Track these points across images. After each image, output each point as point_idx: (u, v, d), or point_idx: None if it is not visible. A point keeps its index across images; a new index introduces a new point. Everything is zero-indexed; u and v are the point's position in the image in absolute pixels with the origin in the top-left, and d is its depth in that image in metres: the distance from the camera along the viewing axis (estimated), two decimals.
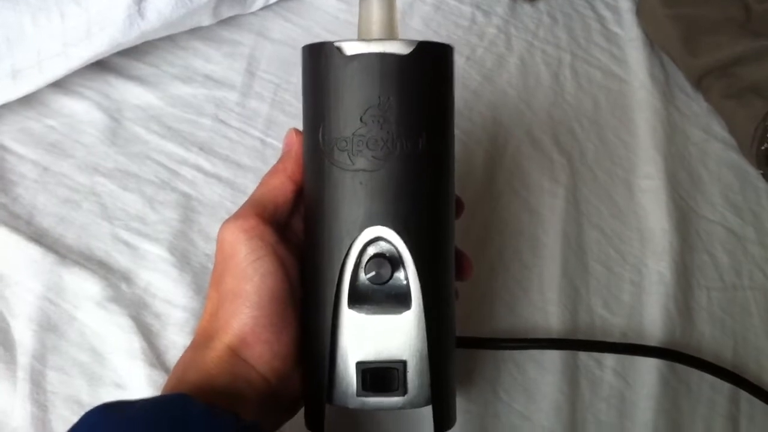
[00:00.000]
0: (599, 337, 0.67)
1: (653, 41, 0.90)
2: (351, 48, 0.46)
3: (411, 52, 0.46)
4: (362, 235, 0.46)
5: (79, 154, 0.73)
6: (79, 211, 0.70)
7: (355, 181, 0.46)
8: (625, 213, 0.76)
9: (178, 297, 0.65)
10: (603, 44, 0.90)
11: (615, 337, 0.67)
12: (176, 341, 0.62)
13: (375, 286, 0.47)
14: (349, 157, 0.46)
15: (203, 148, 0.75)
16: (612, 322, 0.69)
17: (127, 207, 0.70)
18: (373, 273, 0.47)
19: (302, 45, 0.48)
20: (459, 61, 0.86)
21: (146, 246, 0.68)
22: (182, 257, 0.67)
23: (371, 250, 0.47)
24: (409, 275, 0.47)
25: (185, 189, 0.72)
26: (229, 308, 0.46)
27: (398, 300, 0.47)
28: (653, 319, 0.69)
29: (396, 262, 0.47)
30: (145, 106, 0.78)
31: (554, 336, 0.67)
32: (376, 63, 0.46)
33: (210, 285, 0.49)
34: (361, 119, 0.46)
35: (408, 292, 0.47)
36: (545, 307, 0.69)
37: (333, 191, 0.47)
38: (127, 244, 0.68)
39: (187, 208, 0.71)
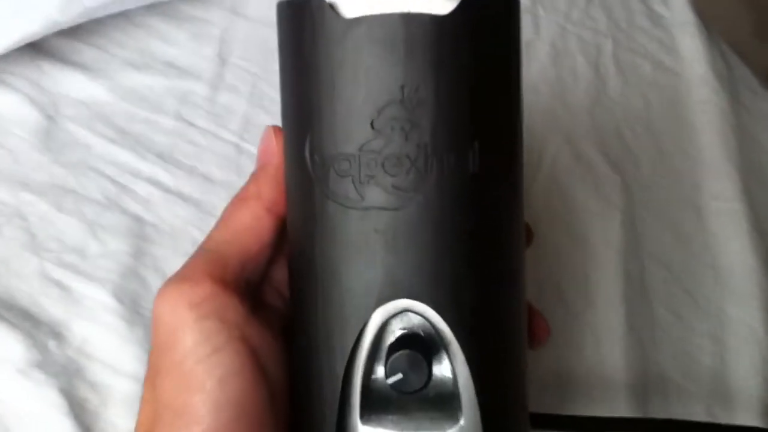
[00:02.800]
0: (676, 409, 0.52)
1: (711, 26, 0.74)
2: (354, 5, 0.30)
3: (454, 11, 0.30)
4: (379, 312, 0.31)
5: (2, 162, 0.57)
6: None
7: (366, 227, 0.31)
8: (693, 243, 0.60)
9: (125, 361, 0.49)
10: (648, 28, 0.76)
11: (698, 413, 0.52)
12: (119, 426, 0.46)
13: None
14: (355, 188, 0.31)
15: (162, 156, 0.59)
16: (690, 391, 0.54)
17: (62, 235, 0.54)
18: (398, 377, 0.31)
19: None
20: None
21: (84, 288, 0.52)
22: (132, 304, 0.51)
23: (395, 329, 0.32)
24: (457, 371, 0.31)
25: (137, 210, 0.56)
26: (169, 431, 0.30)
27: (440, 410, 0.32)
28: (745, 389, 0.53)
29: (435, 351, 0.32)
30: (88, 100, 0.61)
31: (621, 411, 0.51)
32: (396, 29, 0.30)
33: (145, 381, 0.33)
34: (372, 125, 0.30)
35: (456, 398, 0.32)
36: (602, 370, 0.53)
37: (330, 243, 0.32)
38: (59, 285, 0.52)
39: (140, 236, 0.55)
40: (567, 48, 0.72)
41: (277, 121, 0.34)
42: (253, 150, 0.61)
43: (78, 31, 0.64)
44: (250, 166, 0.58)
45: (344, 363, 0.31)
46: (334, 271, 0.32)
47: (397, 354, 0.31)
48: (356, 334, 0.31)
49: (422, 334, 0.32)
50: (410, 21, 0.30)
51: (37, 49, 0.63)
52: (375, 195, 0.31)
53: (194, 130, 0.61)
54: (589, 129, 0.66)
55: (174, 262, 0.52)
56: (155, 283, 0.52)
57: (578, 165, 0.64)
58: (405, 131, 0.30)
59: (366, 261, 0.31)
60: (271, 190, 0.34)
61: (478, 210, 0.31)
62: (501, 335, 0.33)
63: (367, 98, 0.30)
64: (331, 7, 0.30)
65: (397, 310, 0.31)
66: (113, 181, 0.57)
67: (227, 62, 0.66)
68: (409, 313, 0.32)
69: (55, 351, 0.49)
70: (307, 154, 0.31)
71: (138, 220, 0.55)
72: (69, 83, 0.62)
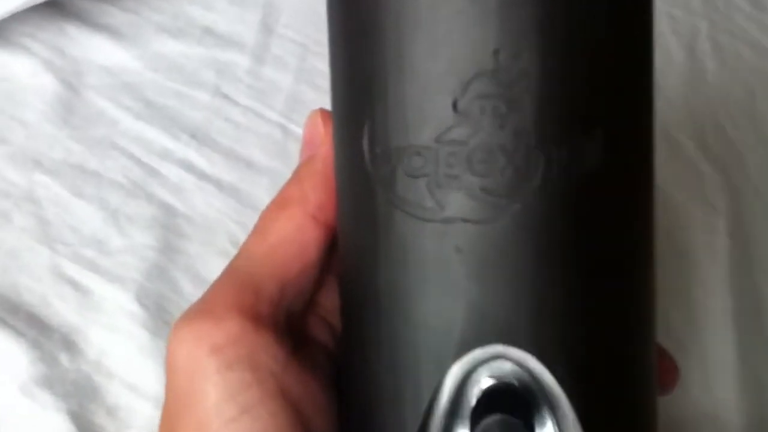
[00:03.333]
0: None
1: None
2: None
3: None
4: (462, 361, 0.23)
5: (14, 137, 0.50)
6: (6, 227, 0.46)
7: (446, 245, 0.23)
8: None
9: (148, 379, 0.41)
10: (747, 8, 0.67)
11: None
12: None
13: None
14: (431, 192, 0.23)
15: (196, 136, 0.51)
16: None
17: (79, 224, 0.47)
18: None
19: None
20: None
21: (103, 289, 0.44)
22: (157, 311, 0.44)
23: (482, 378, 0.23)
24: None
25: (167, 198, 0.48)
26: None
27: None
28: None
29: (536, 412, 0.23)
30: (115, 69, 0.54)
31: None
32: None
33: None
34: (455, 106, 0.22)
35: None
36: (714, 413, 0.45)
37: (397, 266, 0.24)
38: (74, 284, 0.44)
39: (169, 228, 0.47)
40: (658, 27, 0.63)
41: (329, 101, 0.25)
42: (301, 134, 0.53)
43: None
44: (298, 153, 0.50)
45: (417, 425, 0.23)
46: (403, 303, 0.24)
47: (487, 420, 0.23)
48: (432, 388, 0.23)
49: (518, 385, 0.23)
50: None
51: (60, 9, 0.56)
52: (458, 202, 0.22)
53: (234, 108, 0.53)
54: (685, 119, 0.58)
55: (208, 262, 0.45)
56: (185, 285, 0.45)
57: (675, 160, 0.55)
58: (500, 115, 0.22)
59: (445, 291, 0.23)
60: (317, 192, 0.27)
61: (598, 224, 0.23)
62: (626, 390, 0.25)
63: (447, 69, 0.22)
64: None
65: (486, 357, 0.23)
66: (140, 163, 0.50)
67: (273, 31, 0.58)
68: (503, 367, 0.23)
69: (67, 365, 0.41)
70: (365, 146, 0.23)
71: (168, 209, 0.48)
72: (95, 49, 0.55)
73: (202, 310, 0.25)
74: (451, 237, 0.23)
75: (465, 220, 0.22)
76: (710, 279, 0.50)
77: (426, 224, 0.23)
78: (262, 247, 0.26)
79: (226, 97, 0.54)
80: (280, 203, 0.27)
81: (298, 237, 0.26)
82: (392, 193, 0.23)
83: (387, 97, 0.23)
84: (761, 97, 0.60)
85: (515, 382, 0.23)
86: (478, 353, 0.23)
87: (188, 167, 0.50)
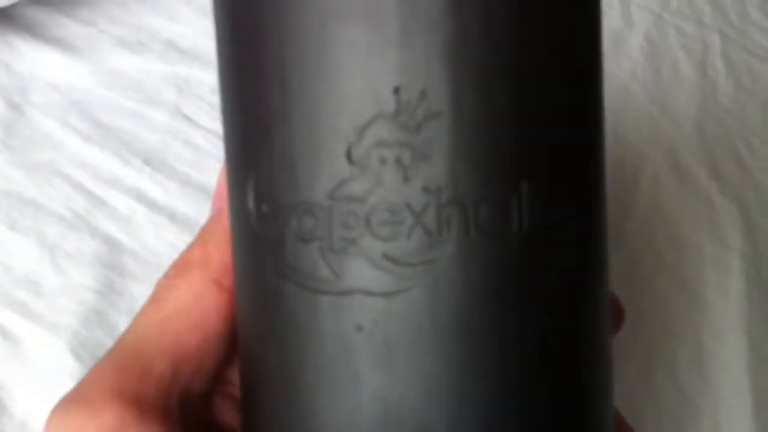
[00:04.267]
0: None
1: None
2: None
3: None
4: None
5: None
6: None
7: (344, 323, 0.18)
8: None
9: None
10: (763, 22, 0.62)
11: None
12: None
13: None
14: (325, 259, 0.18)
15: (150, 161, 0.46)
16: None
17: (11, 261, 0.41)
18: None
19: None
20: None
21: (34, 338, 0.39)
22: (94, 362, 0.38)
23: None
24: None
25: (113, 232, 0.43)
26: None
27: None
28: None
29: None
30: (65, 86, 0.49)
31: None
32: None
33: None
34: (349, 155, 0.18)
35: None
36: None
37: (288, 346, 0.19)
38: (2, 331, 0.39)
39: (113, 266, 0.41)
40: (666, 42, 0.58)
41: None
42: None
43: (62, 2, 0.52)
44: None
45: None
46: (296, 393, 0.19)
47: None
48: None
49: None
50: None
51: (6, 20, 0.50)
52: (357, 271, 0.18)
53: (195, 130, 0.48)
54: (695, 143, 0.52)
55: None
56: None
57: (684, 190, 0.50)
58: (403, 166, 0.18)
59: (344, 379, 0.19)
60: (222, 253, 0.22)
61: (529, 296, 0.18)
62: None
63: (339, 110, 0.18)
64: None
65: None
66: (85, 192, 0.44)
67: None
68: None
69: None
70: (251, 203, 0.19)
71: (112, 244, 0.42)
72: (43, 63, 0.50)
73: (76, 397, 0.21)
74: (350, 313, 0.18)
75: (366, 293, 0.18)
76: (723, 324, 0.44)
77: (320, 297, 0.18)
78: (155, 318, 0.22)
79: (186, 117, 0.48)
80: (179, 267, 0.23)
81: (197, 306, 0.22)
82: (281, 259, 0.19)
83: (272, 143, 0.18)
84: None
85: None
86: None
87: (138, 196, 0.44)
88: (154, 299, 0.22)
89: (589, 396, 0.20)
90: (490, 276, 0.18)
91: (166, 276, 0.23)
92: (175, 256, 0.39)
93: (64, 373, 0.38)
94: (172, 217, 0.44)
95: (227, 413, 0.24)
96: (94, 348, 0.39)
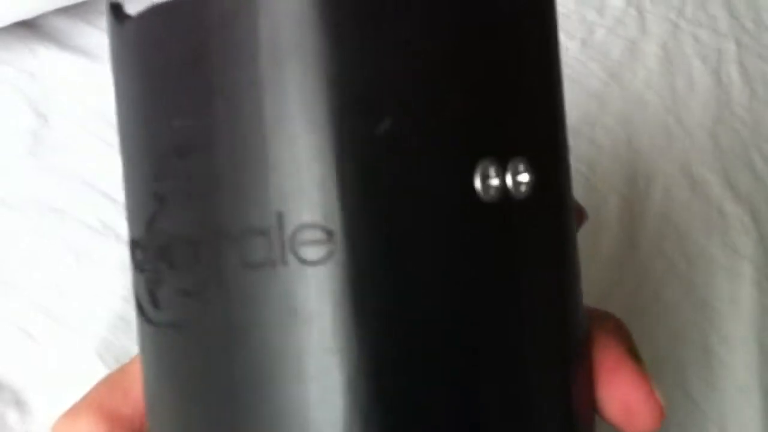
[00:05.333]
0: None
1: None
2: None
3: None
4: None
5: None
6: None
7: (164, 354, 0.19)
8: None
9: None
10: None
11: None
12: None
13: None
14: (149, 292, 0.19)
15: None
16: None
17: (39, 267, 0.42)
18: None
19: None
20: (570, 46, 0.57)
21: (61, 342, 0.40)
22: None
23: None
24: None
25: None
26: None
27: None
28: None
29: None
30: (88, 94, 0.50)
31: None
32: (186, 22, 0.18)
33: None
34: (154, 191, 0.19)
35: None
36: None
37: (147, 375, 0.20)
38: (28, 334, 0.40)
39: None
40: (681, 51, 0.59)
41: None
42: None
43: (86, 12, 0.53)
44: None
45: None
46: (154, 418, 0.21)
47: None
48: None
49: None
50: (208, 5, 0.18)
51: (31, 29, 0.51)
52: (167, 303, 0.19)
53: None
54: (709, 152, 0.53)
55: None
56: None
57: (697, 199, 0.50)
58: (185, 198, 0.18)
59: (167, 414, 0.20)
60: None
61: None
62: None
63: (145, 147, 0.19)
64: (117, 6, 0.20)
65: None
66: (111, 199, 0.45)
67: None
68: None
69: (14, 426, 0.37)
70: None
71: None
72: (67, 72, 0.51)
73: (72, 407, 0.24)
74: (165, 345, 0.19)
75: (173, 325, 0.19)
76: (733, 332, 0.45)
77: (149, 328, 0.19)
78: None
79: None
80: None
81: None
82: (135, 295, 0.20)
83: (123, 177, 0.20)
84: None
85: None
86: None
87: None
88: None
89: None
90: (264, 305, 0.17)
91: None
92: None
93: (90, 378, 0.39)
94: None
95: None
96: (119, 354, 0.40)
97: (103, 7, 0.52)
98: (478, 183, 0.17)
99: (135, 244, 0.19)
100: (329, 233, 0.17)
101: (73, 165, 0.47)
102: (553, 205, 0.19)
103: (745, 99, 0.56)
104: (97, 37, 0.53)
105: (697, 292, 0.46)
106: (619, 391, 0.21)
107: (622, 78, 0.56)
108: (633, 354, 0.22)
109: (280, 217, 0.17)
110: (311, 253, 0.17)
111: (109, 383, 0.24)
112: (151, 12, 0.18)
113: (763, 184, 0.52)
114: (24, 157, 0.47)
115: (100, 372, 0.38)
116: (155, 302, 0.19)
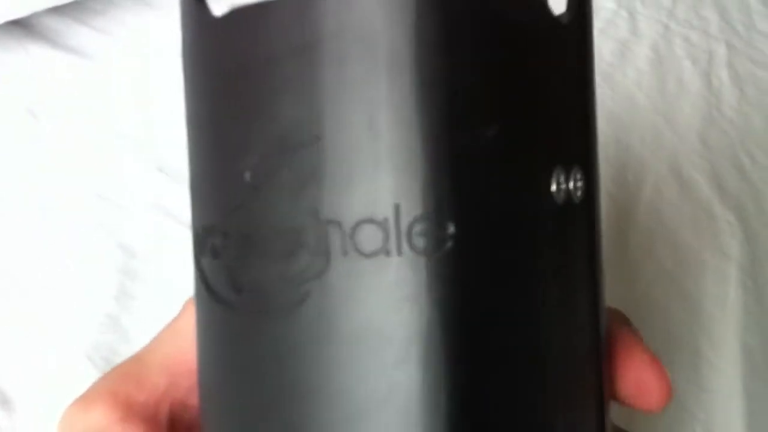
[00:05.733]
0: None
1: None
2: None
3: None
4: None
5: None
6: None
7: (253, 341, 0.19)
8: None
9: None
10: None
11: None
12: None
13: None
14: (232, 279, 0.19)
15: (164, 169, 0.47)
16: None
17: (30, 264, 0.42)
18: None
19: None
20: None
21: (50, 338, 0.40)
22: (106, 366, 0.40)
23: None
24: None
25: (128, 238, 0.44)
26: None
27: None
28: None
29: None
30: (80, 93, 0.50)
31: None
32: (291, 19, 0.18)
33: None
34: (244, 177, 0.19)
35: None
36: None
37: (213, 364, 0.21)
38: (17, 334, 0.40)
39: (128, 273, 0.43)
40: (672, 52, 0.59)
41: None
42: None
43: (80, 12, 0.53)
44: None
45: None
46: (218, 404, 0.20)
47: None
48: None
49: None
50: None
51: (24, 28, 0.51)
52: (257, 290, 0.19)
53: None
54: (699, 155, 0.53)
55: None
56: (138, 340, 0.40)
57: (685, 200, 0.50)
58: (287, 187, 0.18)
59: (255, 401, 0.19)
60: None
61: (405, 309, 0.18)
62: None
63: (238, 138, 0.19)
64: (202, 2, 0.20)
65: None
66: (102, 198, 0.45)
67: None
68: None
69: (1, 426, 0.37)
70: (192, 225, 0.21)
71: (127, 251, 0.44)
72: (59, 71, 0.51)
73: (80, 397, 0.23)
74: (254, 331, 0.19)
75: (260, 310, 0.19)
76: (719, 333, 0.45)
77: (231, 315, 0.19)
78: (166, 333, 0.24)
79: None
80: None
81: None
82: (205, 277, 0.20)
83: (194, 166, 0.21)
84: None
85: None
86: None
87: (154, 204, 0.45)
88: (177, 315, 0.24)
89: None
90: (373, 292, 0.18)
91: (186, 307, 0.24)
92: (190, 264, 0.40)
93: (78, 378, 0.39)
94: (187, 224, 0.45)
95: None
96: (108, 354, 0.40)
97: (96, 6, 0.52)
98: (554, 186, 0.19)
99: (210, 230, 0.20)
100: (442, 225, 0.18)
101: (65, 164, 0.47)
102: (594, 208, 0.21)
103: (735, 101, 0.57)
104: (89, 37, 0.53)
105: (686, 292, 0.47)
106: (633, 371, 0.22)
107: (612, 79, 0.57)
108: (640, 338, 0.23)
109: (397, 209, 0.18)
110: (425, 243, 0.18)
111: (122, 371, 0.24)
112: (252, 7, 0.19)
113: (751, 185, 0.52)
114: (15, 156, 0.47)
115: (89, 372, 0.38)
116: (237, 287, 0.19)
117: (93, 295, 0.42)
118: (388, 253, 0.18)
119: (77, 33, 0.53)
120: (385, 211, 0.18)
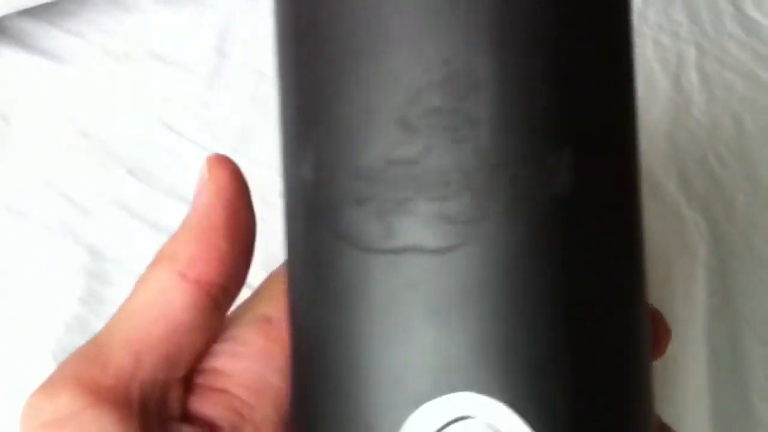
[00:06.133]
0: None
1: None
2: None
3: None
4: (420, 417, 0.19)
5: None
6: None
7: (398, 282, 0.20)
8: None
9: None
10: (740, 35, 0.63)
11: None
12: None
13: None
14: (378, 219, 0.20)
15: (134, 172, 0.47)
16: None
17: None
18: None
19: None
20: None
21: (16, 339, 0.40)
22: None
23: None
24: None
25: (97, 241, 0.44)
26: None
27: None
28: None
29: None
30: (52, 96, 0.50)
31: None
32: None
33: None
34: (402, 122, 0.19)
35: None
36: None
37: (340, 308, 0.20)
38: None
39: (96, 275, 0.43)
40: (642, 54, 0.59)
41: None
42: (252, 168, 0.49)
43: (52, 14, 0.53)
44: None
45: None
46: (348, 352, 0.20)
47: None
48: None
49: None
50: None
51: None
52: (410, 230, 0.19)
53: (178, 139, 0.49)
54: (667, 155, 0.54)
55: None
56: None
57: (654, 201, 0.51)
58: (454, 130, 0.19)
59: (397, 333, 0.20)
60: (190, 246, 0.23)
61: (574, 255, 0.20)
62: None
63: (391, 79, 0.19)
64: None
65: (447, 412, 0.19)
66: (70, 201, 0.45)
67: (228, 56, 0.54)
68: (464, 415, 0.19)
69: None
70: (306, 171, 0.20)
71: (93, 252, 0.44)
72: (32, 74, 0.51)
73: (44, 384, 0.22)
74: (403, 270, 0.19)
75: (418, 251, 0.19)
76: (686, 333, 0.46)
77: (373, 256, 0.20)
78: (123, 312, 0.23)
79: (169, 127, 0.50)
80: (151, 264, 0.24)
81: (161, 298, 0.23)
82: (337, 222, 0.20)
83: (330, 114, 0.20)
84: (753, 133, 0.56)
85: None
86: (437, 406, 0.19)
87: (123, 207, 0.46)
88: (129, 295, 0.24)
89: (634, 350, 0.21)
90: (536, 236, 0.19)
91: (144, 272, 0.24)
92: None
93: (44, 376, 0.39)
94: (156, 227, 0.45)
95: (209, 405, 0.24)
96: None
97: (68, 8, 0.52)
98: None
99: (354, 175, 0.20)
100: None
101: (35, 166, 0.47)
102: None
103: (703, 103, 0.57)
104: (62, 40, 0.53)
105: (655, 293, 0.47)
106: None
107: None
108: None
109: (569, 153, 0.19)
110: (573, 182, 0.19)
111: (84, 356, 0.23)
112: None
113: (719, 187, 0.52)
114: None
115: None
116: (389, 230, 0.19)
117: (60, 298, 0.42)
118: (552, 193, 0.19)
119: (50, 35, 0.53)
120: (552, 153, 0.19)
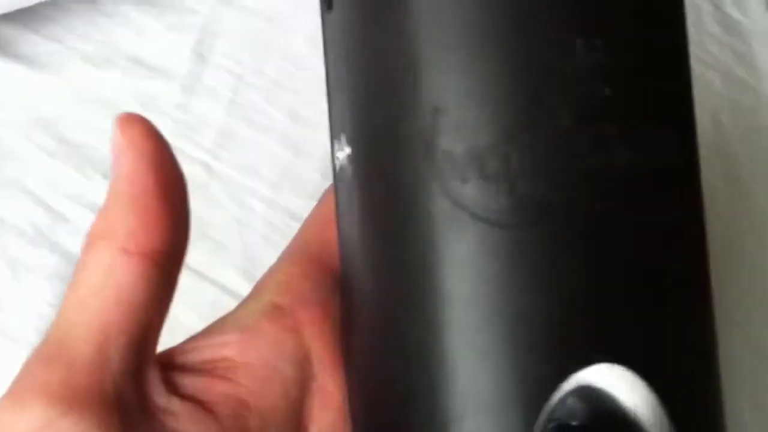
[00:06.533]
0: None
1: None
2: None
3: None
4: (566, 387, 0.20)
5: None
6: None
7: (521, 253, 0.20)
8: None
9: None
10: (719, 35, 0.63)
11: None
12: None
13: None
14: (509, 198, 0.20)
15: (108, 175, 0.47)
16: None
17: None
18: None
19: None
20: None
21: None
22: None
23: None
24: None
25: (74, 247, 0.44)
26: None
27: None
28: None
29: None
30: (30, 102, 0.50)
31: None
32: None
33: None
34: (531, 100, 0.20)
35: None
36: None
37: (465, 283, 0.21)
38: None
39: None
40: None
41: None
42: (230, 172, 0.49)
43: (31, 19, 0.53)
44: (221, 193, 0.46)
45: None
46: (476, 317, 0.20)
47: None
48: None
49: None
50: None
51: None
52: (533, 204, 0.20)
53: None
54: None
55: None
56: None
57: None
58: (578, 109, 0.20)
59: (537, 307, 0.20)
60: (126, 218, 0.21)
61: (679, 227, 0.22)
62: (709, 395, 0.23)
63: (523, 61, 0.20)
64: None
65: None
66: (47, 207, 0.46)
67: (207, 60, 0.54)
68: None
69: None
70: (437, 149, 0.21)
71: (72, 260, 0.44)
72: (9, 80, 0.51)
73: (8, 393, 0.20)
74: (526, 242, 0.20)
75: (541, 224, 0.20)
76: None
77: (505, 232, 0.20)
78: (73, 303, 0.22)
79: None
80: (87, 246, 0.22)
81: (110, 280, 0.21)
82: (464, 198, 0.20)
83: (458, 87, 0.20)
84: (731, 133, 0.57)
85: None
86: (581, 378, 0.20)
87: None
88: (70, 284, 0.22)
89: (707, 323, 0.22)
90: (650, 211, 0.21)
91: (80, 257, 0.22)
92: None
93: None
94: None
95: (207, 392, 0.23)
96: None
97: (47, 13, 0.52)
98: None
99: (480, 153, 0.20)
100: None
101: (11, 172, 0.47)
102: None
103: None
104: (41, 45, 0.53)
105: None
106: None
107: None
108: None
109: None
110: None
111: (44, 357, 0.21)
112: None
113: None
114: None
115: None
116: (520, 207, 0.20)
117: (36, 305, 0.42)
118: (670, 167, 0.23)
119: (29, 41, 0.53)
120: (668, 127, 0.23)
